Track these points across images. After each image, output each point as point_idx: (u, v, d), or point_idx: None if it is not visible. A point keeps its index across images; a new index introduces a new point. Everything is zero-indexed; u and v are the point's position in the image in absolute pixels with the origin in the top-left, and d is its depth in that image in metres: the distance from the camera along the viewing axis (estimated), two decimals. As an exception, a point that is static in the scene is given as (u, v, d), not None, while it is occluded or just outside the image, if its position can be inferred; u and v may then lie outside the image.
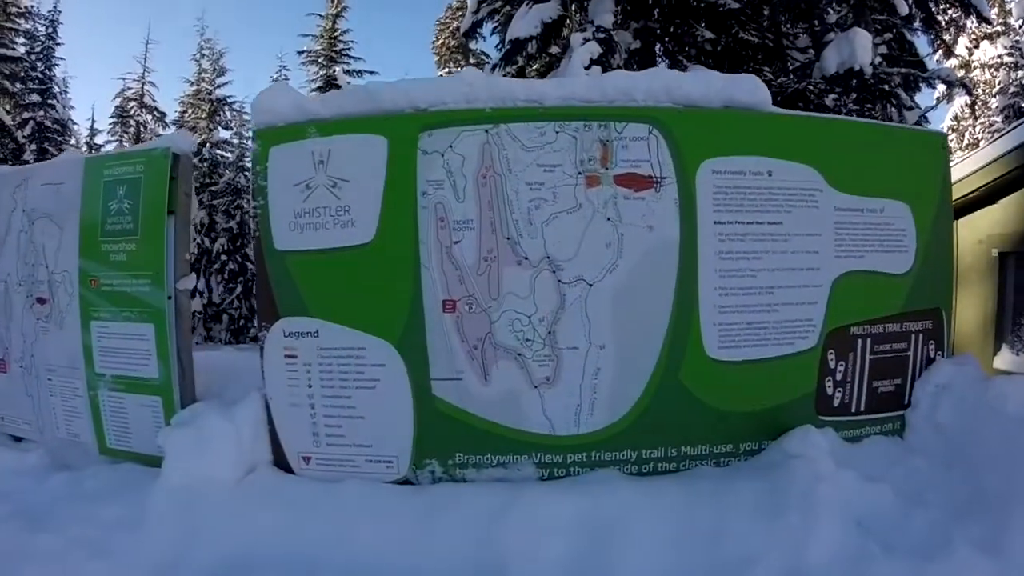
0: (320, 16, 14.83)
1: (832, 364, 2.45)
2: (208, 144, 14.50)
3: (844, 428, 2.46)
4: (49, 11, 13.86)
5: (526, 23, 5.81)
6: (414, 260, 2.32)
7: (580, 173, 2.29)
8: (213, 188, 14.11)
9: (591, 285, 2.28)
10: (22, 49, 13.17)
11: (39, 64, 13.68)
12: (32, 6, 13.27)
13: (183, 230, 2.75)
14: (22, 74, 12.91)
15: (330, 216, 2.39)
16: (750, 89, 2.45)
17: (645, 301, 2.30)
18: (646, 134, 2.32)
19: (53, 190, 2.94)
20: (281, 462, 2.48)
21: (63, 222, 2.88)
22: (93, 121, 15.88)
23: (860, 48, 4.85)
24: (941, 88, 7.50)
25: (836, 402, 2.48)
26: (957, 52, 13.34)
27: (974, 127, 15.94)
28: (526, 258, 2.28)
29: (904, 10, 5.51)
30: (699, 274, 2.32)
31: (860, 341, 2.49)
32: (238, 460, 2.36)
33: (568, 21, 6.07)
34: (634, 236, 2.29)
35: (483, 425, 2.32)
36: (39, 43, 13.76)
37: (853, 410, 2.50)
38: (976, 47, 15.39)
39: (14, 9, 12.73)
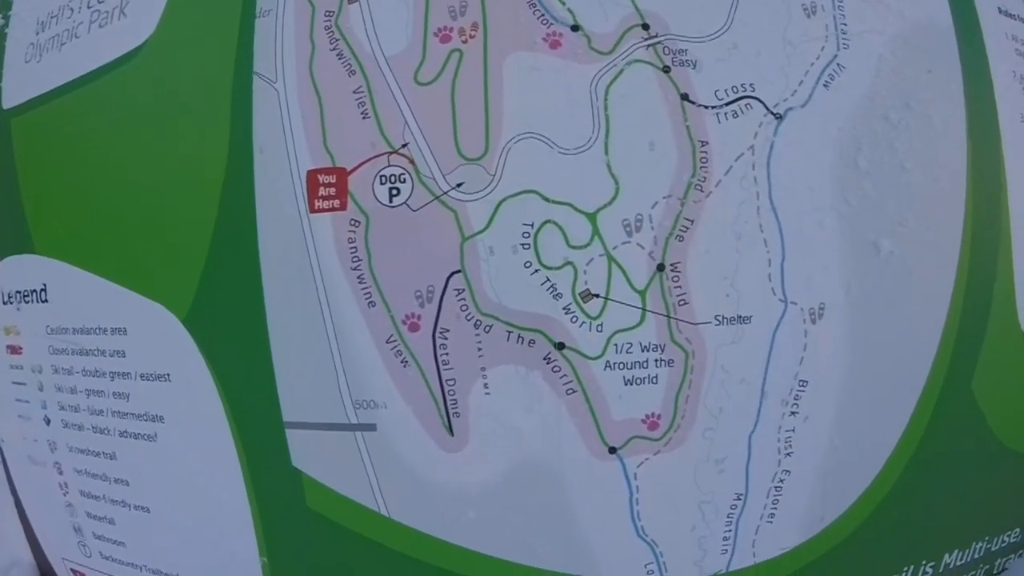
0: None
1: None
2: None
3: None
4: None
5: None
6: (237, 52, 0.65)
7: None
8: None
9: (780, 117, 0.51)
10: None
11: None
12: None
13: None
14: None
15: (86, 6, 0.88)
16: None
17: (916, 171, 0.62)
18: None
19: None
20: (46, 568, 1.08)
21: None
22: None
23: None
24: None
25: None
26: None
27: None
28: (575, 27, 0.53)
29: None
30: (1000, 122, 0.68)
31: None
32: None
33: None
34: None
35: (441, 559, 0.52)
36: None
37: None
38: None
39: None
